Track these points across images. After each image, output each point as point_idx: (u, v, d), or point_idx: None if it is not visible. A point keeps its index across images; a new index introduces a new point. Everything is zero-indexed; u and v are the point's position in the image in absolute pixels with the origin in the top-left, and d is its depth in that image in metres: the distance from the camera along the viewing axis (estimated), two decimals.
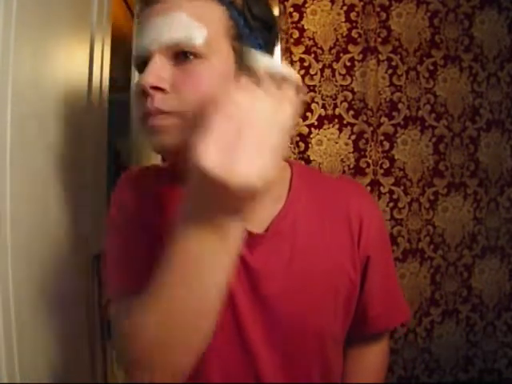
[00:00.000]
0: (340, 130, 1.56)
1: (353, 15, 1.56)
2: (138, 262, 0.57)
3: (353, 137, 1.56)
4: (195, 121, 0.47)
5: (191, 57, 0.54)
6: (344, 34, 1.56)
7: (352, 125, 1.56)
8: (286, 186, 0.66)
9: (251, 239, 0.60)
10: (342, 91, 1.55)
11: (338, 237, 0.64)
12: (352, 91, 1.56)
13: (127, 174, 0.69)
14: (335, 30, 1.55)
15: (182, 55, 0.54)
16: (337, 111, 1.55)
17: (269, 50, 0.60)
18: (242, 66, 0.57)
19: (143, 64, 0.56)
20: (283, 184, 0.66)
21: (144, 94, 0.54)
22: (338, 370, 0.67)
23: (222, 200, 0.41)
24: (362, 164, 1.56)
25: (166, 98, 0.54)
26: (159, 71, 0.54)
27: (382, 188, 1.57)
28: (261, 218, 0.63)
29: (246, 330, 0.60)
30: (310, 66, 1.55)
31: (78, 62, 0.93)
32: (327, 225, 0.64)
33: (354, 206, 0.66)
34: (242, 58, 0.57)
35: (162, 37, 0.54)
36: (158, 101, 0.53)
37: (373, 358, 0.70)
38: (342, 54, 1.55)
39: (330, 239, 0.64)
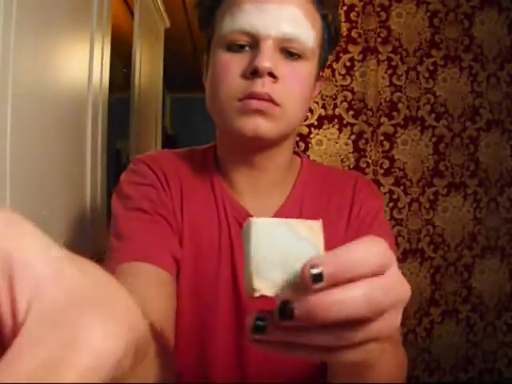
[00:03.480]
0: (340, 130, 1.55)
1: (353, 15, 1.56)
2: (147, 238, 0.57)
3: (353, 137, 1.56)
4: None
5: (295, 56, 0.56)
6: (344, 34, 1.56)
7: (352, 125, 1.56)
8: (294, 177, 0.68)
9: None
10: (342, 91, 1.55)
11: (336, 229, 0.64)
12: (352, 91, 1.56)
13: (145, 156, 0.68)
14: None
15: (286, 51, 0.56)
16: (337, 111, 1.55)
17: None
18: (318, 74, 0.63)
19: (237, 44, 0.55)
20: (291, 176, 0.68)
21: (252, 75, 0.54)
22: None
23: None
24: (362, 164, 1.56)
25: (276, 87, 0.54)
26: (274, 59, 0.54)
27: (382, 188, 1.56)
28: (266, 207, 0.64)
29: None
30: None
31: (78, 62, 0.92)
32: (329, 217, 0.65)
33: (357, 198, 0.67)
34: (320, 66, 0.62)
35: (279, 26, 0.54)
36: (269, 86, 0.54)
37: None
38: (342, 54, 1.55)
39: (329, 231, 0.64)
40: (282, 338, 0.25)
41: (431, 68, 1.59)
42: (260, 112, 0.54)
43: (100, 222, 1.02)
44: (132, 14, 1.94)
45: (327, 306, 0.24)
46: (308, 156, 1.54)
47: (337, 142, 1.55)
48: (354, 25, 1.56)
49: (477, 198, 1.62)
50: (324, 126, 1.54)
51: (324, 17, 0.60)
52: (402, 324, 1.37)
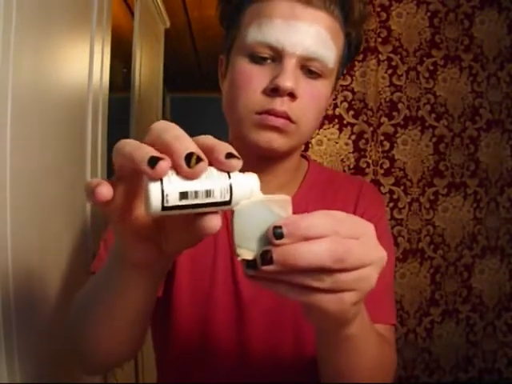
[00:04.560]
0: (340, 130, 1.56)
1: None
2: None
3: (353, 137, 1.56)
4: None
5: (316, 74, 0.57)
6: None
7: (352, 125, 1.56)
8: (300, 179, 0.69)
9: None
10: (342, 91, 1.55)
11: None
12: (352, 91, 1.56)
13: None
14: None
15: (308, 70, 0.56)
16: (337, 111, 1.55)
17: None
18: (334, 87, 0.64)
19: (261, 55, 0.56)
20: (298, 178, 0.69)
21: (273, 93, 0.55)
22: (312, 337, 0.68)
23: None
24: (362, 164, 1.56)
25: (294, 105, 0.56)
26: (296, 78, 0.55)
27: (382, 188, 1.56)
28: None
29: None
30: None
31: (78, 62, 0.92)
32: None
33: (361, 203, 0.68)
34: (336, 80, 0.63)
35: (305, 45, 0.54)
36: (287, 105, 0.55)
37: None
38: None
39: None
40: (270, 275, 0.31)
41: (431, 68, 1.59)
42: (276, 128, 0.56)
43: (100, 221, 1.02)
44: (132, 14, 1.94)
45: (296, 253, 0.30)
46: (308, 156, 1.54)
47: (337, 142, 1.55)
48: None
49: (477, 197, 1.62)
50: (324, 126, 1.54)
51: (347, 34, 0.60)
52: (402, 324, 1.37)
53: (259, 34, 0.55)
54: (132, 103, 1.87)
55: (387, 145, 1.57)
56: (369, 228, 0.34)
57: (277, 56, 0.55)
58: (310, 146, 1.54)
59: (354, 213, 0.68)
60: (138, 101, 1.91)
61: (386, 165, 1.57)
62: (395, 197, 1.57)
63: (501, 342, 1.64)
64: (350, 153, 1.56)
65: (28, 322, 0.66)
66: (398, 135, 1.58)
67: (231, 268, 0.64)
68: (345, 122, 1.56)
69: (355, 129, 1.56)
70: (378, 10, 1.56)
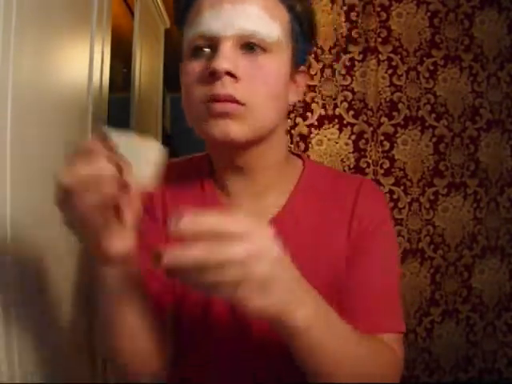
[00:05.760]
0: (340, 130, 1.56)
1: (353, 15, 1.56)
2: None
3: (353, 137, 1.56)
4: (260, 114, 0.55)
5: (258, 50, 0.55)
6: (344, 34, 1.56)
7: (352, 125, 1.56)
8: (295, 181, 0.66)
9: None
10: (342, 91, 1.55)
11: (337, 237, 0.63)
12: (352, 91, 1.56)
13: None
14: (335, 29, 1.55)
15: (248, 47, 0.55)
16: (337, 111, 1.55)
17: (308, 54, 0.66)
18: (296, 67, 0.61)
19: (199, 48, 0.56)
20: (290, 178, 0.66)
21: (212, 77, 0.53)
22: None
23: None
24: (362, 164, 1.56)
25: (239, 86, 0.53)
26: (234, 58, 0.53)
27: (382, 188, 1.56)
28: (263, 210, 0.63)
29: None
30: (310, 66, 1.55)
31: (78, 62, 0.92)
32: (330, 225, 0.63)
33: (359, 205, 0.64)
34: (296, 60, 0.61)
35: (235, 25, 0.53)
36: (230, 87, 0.53)
37: None
38: (342, 54, 1.55)
39: (329, 240, 0.63)
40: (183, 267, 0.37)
41: (431, 68, 1.59)
42: (226, 114, 0.53)
43: None
44: (132, 13, 1.94)
45: (178, 254, 0.36)
46: (308, 156, 1.54)
47: (337, 142, 1.55)
48: (354, 25, 1.56)
49: (477, 197, 1.62)
50: (324, 126, 1.55)
51: (291, 8, 0.58)
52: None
53: (193, 28, 0.56)
54: (132, 103, 1.87)
55: (387, 145, 1.57)
56: (247, 233, 0.39)
57: (213, 43, 0.55)
58: (309, 146, 1.54)
59: (351, 219, 0.63)
60: (138, 101, 1.91)
61: (386, 165, 1.57)
62: (395, 197, 1.57)
63: (501, 341, 1.64)
64: (350, 153, 1.56)
65: (29, 322, 0.66)
66: (398, 135, 1.58)
67: None
68: (345, 122, 1.56)
69: (355, 129, 1.56)
70: (378, 9, 1.56)
